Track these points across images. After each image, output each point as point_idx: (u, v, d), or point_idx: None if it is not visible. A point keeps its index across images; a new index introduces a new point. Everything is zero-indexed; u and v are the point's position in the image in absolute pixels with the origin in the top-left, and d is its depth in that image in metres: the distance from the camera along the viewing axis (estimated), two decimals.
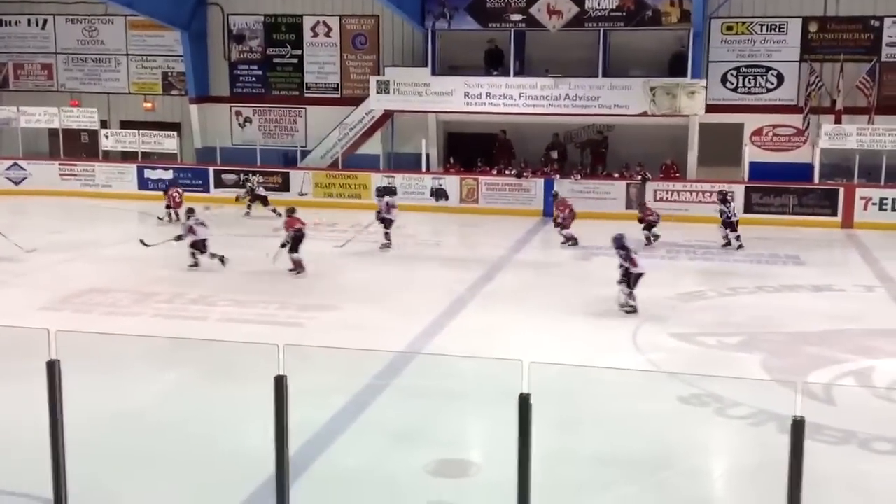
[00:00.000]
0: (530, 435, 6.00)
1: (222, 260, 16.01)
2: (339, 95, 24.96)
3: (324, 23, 24.96)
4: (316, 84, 25.26)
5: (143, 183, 24.08)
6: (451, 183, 22.72)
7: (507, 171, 22.68)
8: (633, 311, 13.38)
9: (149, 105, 26.02)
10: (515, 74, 22.96)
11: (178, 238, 16.11)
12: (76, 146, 25.72)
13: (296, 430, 6.40)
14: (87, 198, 23.29)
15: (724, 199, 18.67)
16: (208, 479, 7.95)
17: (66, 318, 12.86)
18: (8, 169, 24.74)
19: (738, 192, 21.09)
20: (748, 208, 21.03)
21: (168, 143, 24.42)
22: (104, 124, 25.29)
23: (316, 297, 14.31)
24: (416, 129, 24.01)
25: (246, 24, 25.41)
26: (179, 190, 21.52)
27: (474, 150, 23.62)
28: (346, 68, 25.00)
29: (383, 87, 23.33)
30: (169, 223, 20.20)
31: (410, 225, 19.42)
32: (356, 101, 24.28)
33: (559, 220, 18.57)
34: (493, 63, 23.46)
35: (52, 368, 6.62)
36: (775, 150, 22.58)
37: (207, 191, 23.75)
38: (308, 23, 25.05)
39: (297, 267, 15.83)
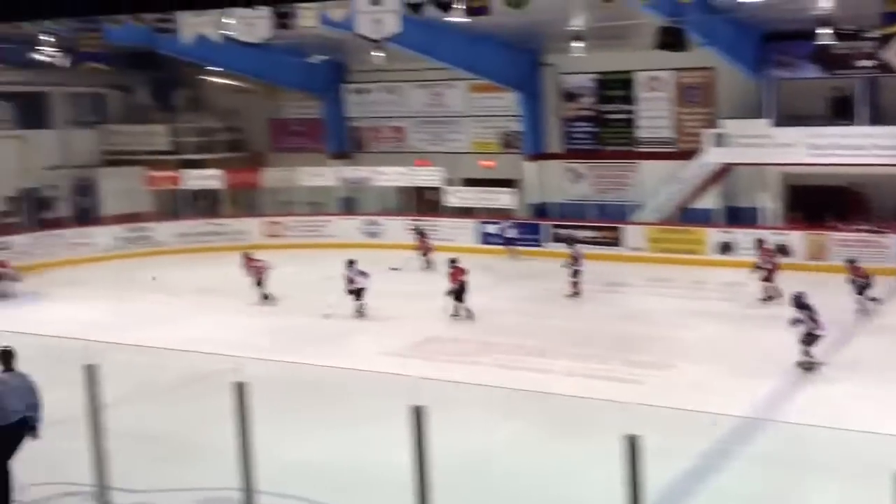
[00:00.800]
0: None
1: (360, 308, 17.15)
2: (672, 149, 24.63)
3: (656, 77, 24.86)
4: (648, 139, 25.15)
5: (482, 237, 25.24)
6: (795, 238, 21.38)
7: (861, 227, 20.92)
8: (812, 367, 12.82)
9: (489, 163, 27.32)
10: (867, 123, 21.28)
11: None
12: (420, 202, 27.64)
13: None
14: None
15: None
16: None
17: (413, 365, 13.72)
18: (366, 224, 27.09)
19: None
20: None
21: (504, 198, 25.43)
22: (448, 182, 26.92)
23: (653, 354, 14.09)
24: (754, 181, 23.01)
25: (578, 82, 25.98)
26: (428, 238, 23.06)
27: (819, 203, 22.10)
28: (679, 122, 24.65)
29: (721, 140, 22.68)
30: (421, 269, 22.19)
31: (748, 282, 18.52)
32: (689, 154, 23.80)
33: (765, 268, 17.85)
34: (840, 112, 21.94)
35: (418, 414, 7.03)
36: None
37: (539, 245, 24.34)
38: (640, 78, 25.09)
39: (468, 313, 16.64)
